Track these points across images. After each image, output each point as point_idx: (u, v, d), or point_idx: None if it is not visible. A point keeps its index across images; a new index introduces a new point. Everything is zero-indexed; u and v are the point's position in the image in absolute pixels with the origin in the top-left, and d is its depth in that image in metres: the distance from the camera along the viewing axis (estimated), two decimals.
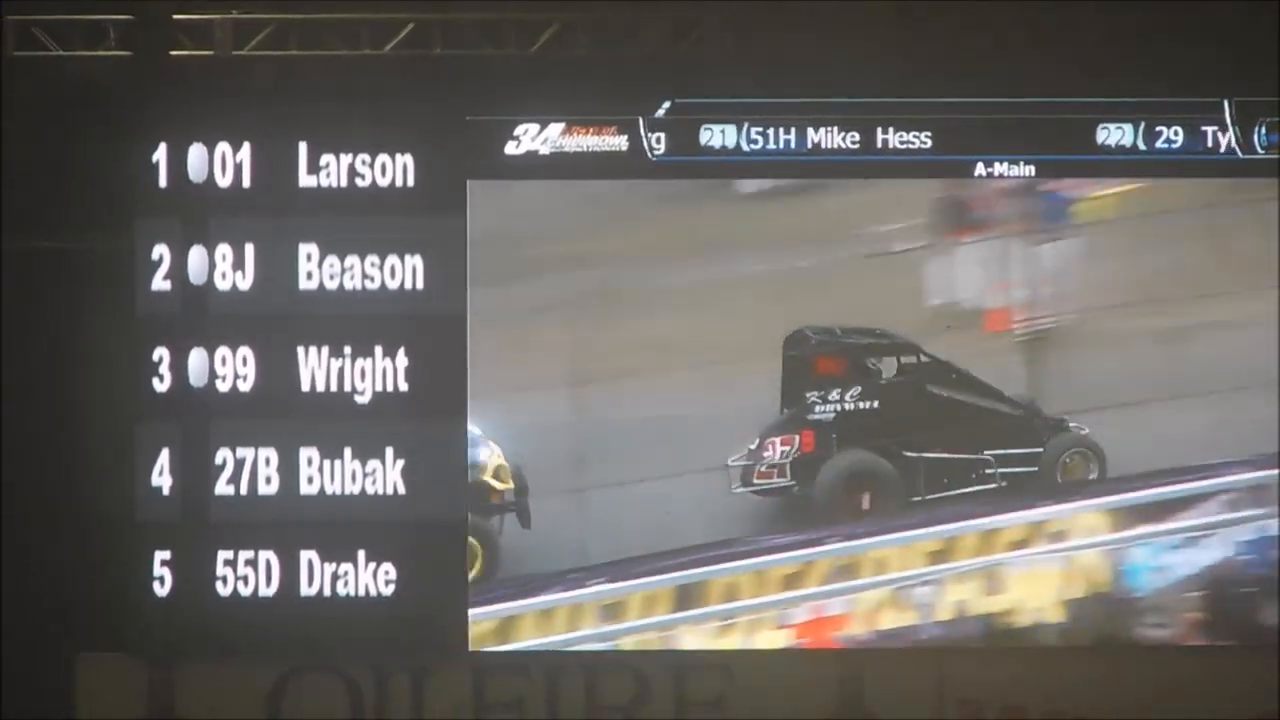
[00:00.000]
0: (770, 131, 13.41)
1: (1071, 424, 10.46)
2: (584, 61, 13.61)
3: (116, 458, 13.21)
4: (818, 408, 10.07)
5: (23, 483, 13.47)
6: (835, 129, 13.37)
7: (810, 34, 13.59)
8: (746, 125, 13.40)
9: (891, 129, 13.42)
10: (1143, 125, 13.57)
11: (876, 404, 10.14)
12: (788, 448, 10.08)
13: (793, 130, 13.41)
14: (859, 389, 10.09)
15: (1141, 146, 13.56)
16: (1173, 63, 13.65)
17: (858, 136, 13.38)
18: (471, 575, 11.55)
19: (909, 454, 9.88)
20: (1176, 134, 13.55)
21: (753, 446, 10.16)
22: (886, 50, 13.53)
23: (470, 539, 11.33)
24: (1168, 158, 13.66)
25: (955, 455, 10.06)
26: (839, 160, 13.40)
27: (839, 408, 10.07)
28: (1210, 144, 13.59)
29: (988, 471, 10.26)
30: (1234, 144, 13.64)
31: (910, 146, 13.41)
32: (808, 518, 10.02)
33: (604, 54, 13.60)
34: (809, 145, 13.39)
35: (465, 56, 13.57)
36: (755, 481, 10.04)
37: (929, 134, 13.41)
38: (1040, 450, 10.32)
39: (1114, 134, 13.53)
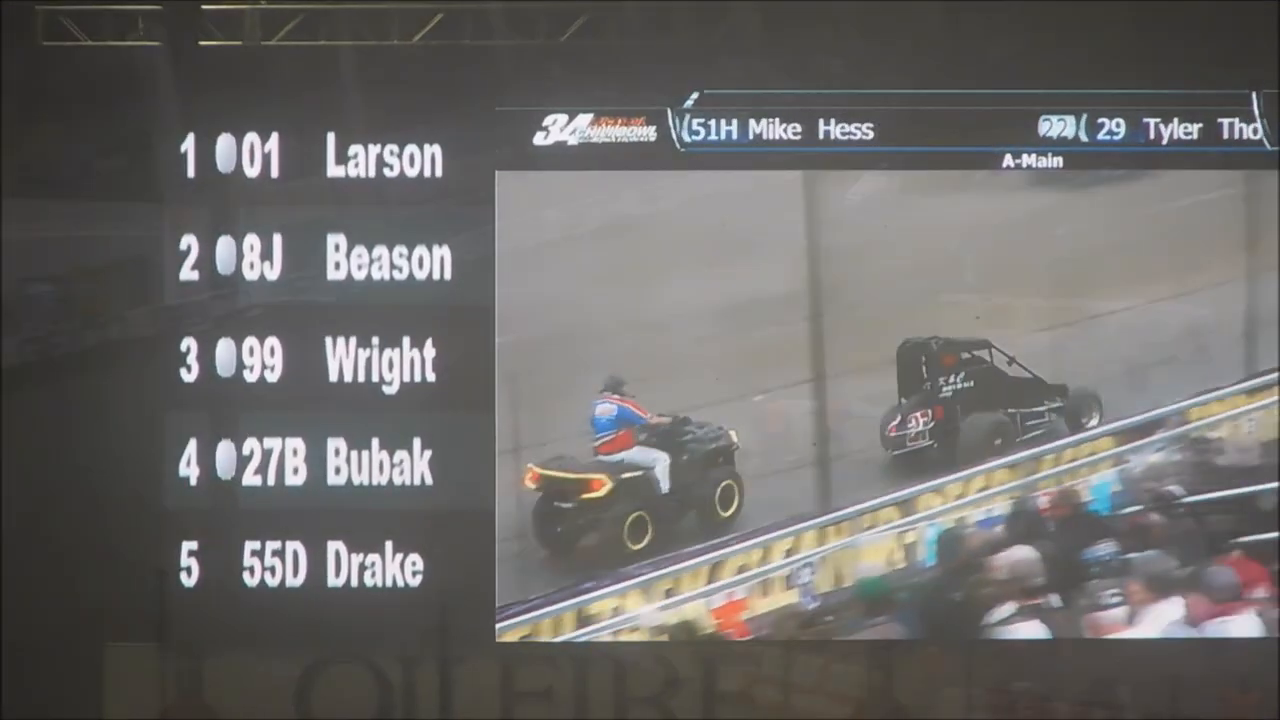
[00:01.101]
0: (713, 122, 13.39)
1: (1070, 386, 13.54)
2: (613, 52, 13.59)
3: (145, 448, 13.16)
4: (944, 389, 13.29)
5: (51, 474, 13.43)
6: (777, 120, 13.34)
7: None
8: (688, 117, 13.38)
9: (833, 120, 13.42)
10: (1085, 117, 13.54)
11: (973, 383, 13.38)
12: (926, 419, 13.34)
13: (734, 121, 13.39)
14: (963, 373, 13.35)
15: (1084, 138, 13.57)
16: (1200, 55, 13.62)
17: (799, 128, 13.38)
18: (730, 512, 13.14)
19: (1011, 410, 13.33)
20: (1118, 125, 13.53)
21: (895, 422, 13.29)
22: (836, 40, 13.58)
23: (731, 483, 13.13)
24: (1195, 149, 13.66)
25: (1024, 410, 13.43)
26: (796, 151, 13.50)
27: (955, 388, 13.34)
28: (1153, 135, 13.59)
29: (1032, 423, 13.49)
30: (1263, 136, 13.61)
31: (851, 138, 13.35)
32: (949, 463, 13.33)
33: (633, 45, 13.58)
34: (750, 136, 13.35)
35: (494, 47, 13.55)
36: (908, 445, 13.29)
37: (870, 125, 13.38)
38: (1061, 404, 13.48)
39: (1056, 125, 13.52)
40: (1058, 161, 13.68)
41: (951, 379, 13.47)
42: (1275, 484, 12.97)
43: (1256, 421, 13.39)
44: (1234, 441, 13.35)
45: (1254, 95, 13.64)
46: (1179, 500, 13.12)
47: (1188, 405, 13.56)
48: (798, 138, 13.36)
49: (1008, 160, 13.67)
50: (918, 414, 13.40)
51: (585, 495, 12.77)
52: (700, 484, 13.02)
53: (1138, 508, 13.22)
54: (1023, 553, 12.91)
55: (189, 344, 13.16)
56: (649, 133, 13.41)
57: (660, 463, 12.85)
